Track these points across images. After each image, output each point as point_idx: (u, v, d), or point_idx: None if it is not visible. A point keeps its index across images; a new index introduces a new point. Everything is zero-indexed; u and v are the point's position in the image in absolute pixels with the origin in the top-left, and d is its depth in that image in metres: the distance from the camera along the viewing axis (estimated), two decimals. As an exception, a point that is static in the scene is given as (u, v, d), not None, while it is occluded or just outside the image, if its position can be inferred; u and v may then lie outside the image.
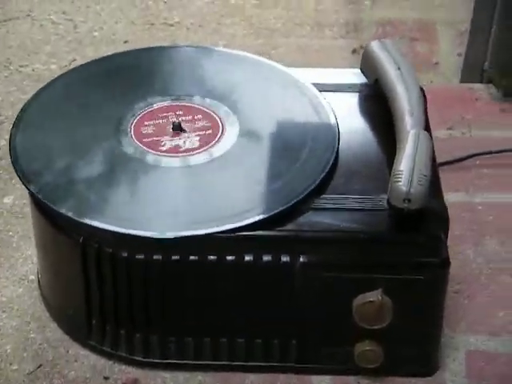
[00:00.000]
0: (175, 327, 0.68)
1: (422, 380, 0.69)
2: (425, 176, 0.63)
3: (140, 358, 0.69)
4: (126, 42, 1.16)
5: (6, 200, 0.86)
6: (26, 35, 1.17)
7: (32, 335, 0.72)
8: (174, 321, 0.68)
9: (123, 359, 0.70)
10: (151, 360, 0.69)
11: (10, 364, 0.70)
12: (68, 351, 0.71)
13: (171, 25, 1.19)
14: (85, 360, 0.71)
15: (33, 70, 1.10)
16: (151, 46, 1.13)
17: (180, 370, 0.69)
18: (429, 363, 0.69)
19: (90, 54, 1.11)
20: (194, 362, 0.69)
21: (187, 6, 1.23)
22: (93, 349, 0.71)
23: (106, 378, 0.69)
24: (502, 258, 0.79)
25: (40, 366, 0.70)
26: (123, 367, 0.70)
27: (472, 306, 0.74)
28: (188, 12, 1.22)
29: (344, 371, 0.69)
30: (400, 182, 0.62)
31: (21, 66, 1.11)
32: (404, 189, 0.62)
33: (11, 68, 1.11)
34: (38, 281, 0.76)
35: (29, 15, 1.22)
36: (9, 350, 0.71)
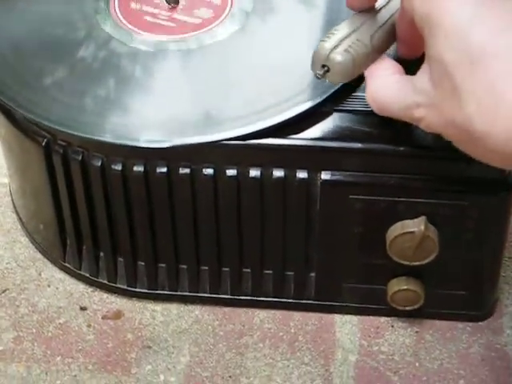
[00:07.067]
0: (167, 251, 0.55)
1: (471, 326, 0.55)
2: (365, 45, 0.45)
3: (124, 287, 0.57)
4: None
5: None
6: None
7: (-1, 252, 0.60)
8: (164, 243, 0.54)
9: (104, 287, 0.57)
10: (138, 289, 0.57)
11: (-31, 286, 0.58)
12: (40, 274, 0.59)
13: None
14: (59, 285, 0.58)
15: None
16: None
17: (172, 302, 0.57)
18: (481, 306, 0.55)
19: None
20: (190, 294, 0.56)
21: None
22: (69, 272, 0.58)
23: (83, 309, 0.57)
24: None
25: (5, 290, 0.58)
26: (104, 296, 0.58)
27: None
28: None
29: (375, 311, 0.56)
30: (326, 41, 0.45)
31: None
32: (325, 51, 0.45)
33: None
34: (9, 184, 0.63)
35: None
36: (-31, 270, 0.59)
